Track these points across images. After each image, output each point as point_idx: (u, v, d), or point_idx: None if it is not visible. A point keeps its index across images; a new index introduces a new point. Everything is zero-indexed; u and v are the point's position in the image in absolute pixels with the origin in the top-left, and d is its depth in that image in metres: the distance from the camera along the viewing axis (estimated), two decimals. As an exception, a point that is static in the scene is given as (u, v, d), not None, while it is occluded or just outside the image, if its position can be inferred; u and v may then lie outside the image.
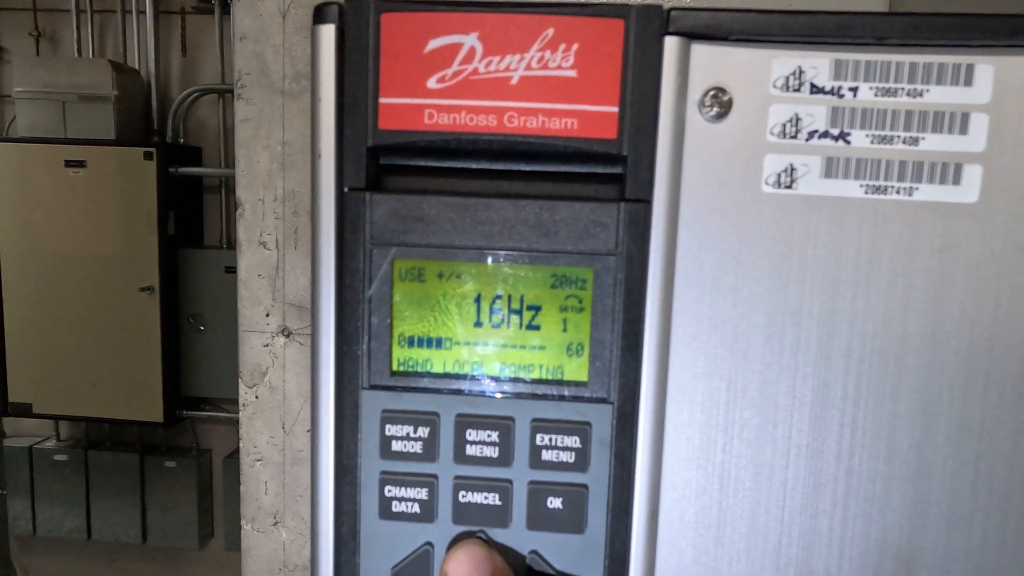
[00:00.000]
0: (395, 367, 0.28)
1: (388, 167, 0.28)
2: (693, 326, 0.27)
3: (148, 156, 2.62)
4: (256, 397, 0.74)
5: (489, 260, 0.27)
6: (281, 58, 0.69)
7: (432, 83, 0.26)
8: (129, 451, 2.93)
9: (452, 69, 0.26)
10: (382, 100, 0.26)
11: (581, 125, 0.26)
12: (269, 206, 0.71)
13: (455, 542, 0.28)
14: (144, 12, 2.78)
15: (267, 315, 0.73)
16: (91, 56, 2.88)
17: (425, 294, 0.28)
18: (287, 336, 0.73)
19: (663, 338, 0.27)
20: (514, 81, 0.26)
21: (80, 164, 2.62)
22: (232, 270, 2.74)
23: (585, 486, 0.28)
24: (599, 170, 0.27)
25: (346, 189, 0.27)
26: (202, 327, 2.78)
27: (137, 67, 2.83)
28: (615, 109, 0.26)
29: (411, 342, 0.28)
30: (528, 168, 0.28)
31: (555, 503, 0.28)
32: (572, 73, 0.26)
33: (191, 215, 2.85)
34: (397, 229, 0.27)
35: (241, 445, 0.75)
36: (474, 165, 0.28)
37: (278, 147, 0.70)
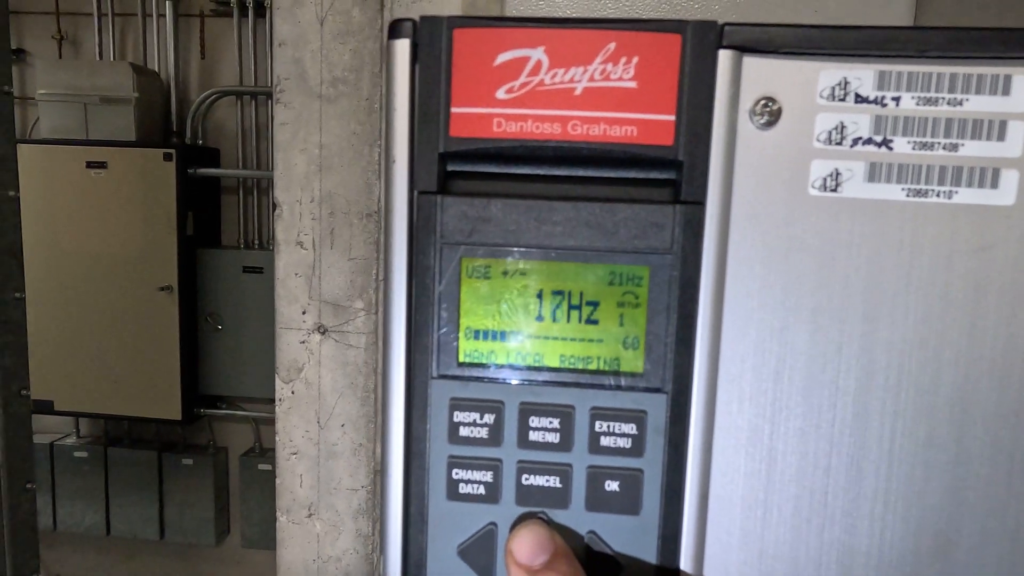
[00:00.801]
0: (462, 358, 0.30)
1: (454, 173, 0.30)
2: (743, 321, 0.29)
3: (167, 157, 2.65)
4: (292, 392, 0.76)
5: (551, 258, 0.29)
6: (319, 64, 0.71)
7: (501, 93, 0.28)
8: (147, 448, 2.96)
9: (520, 80, 0.28)
10: (454, 109, 0.28)
11: (640, 132, 0.28)
12: (306, 207, 0.73)
13: (518, 522, 0.30)
14: (164, 15, 2.82)
15: (303, 313, 0.75)
16: (112, 59, 2.92)
17: (490, 290, 0.30)
18: (323, 333, 0.75)
19: (714, 332, 0.29)
20: (578, 92, 0.28)
21: (101, 165, 2.65)
22: (249, 270, 2.78)
23: (640, 470, 0.29)
24: (654, 175, 0.29)
25: (418, 192, 0.29)
26: (219, 326, 2.80)
27: (157, 70, 2.87)
28: (672, 117, 0.28)
29: (477, 335, 0.30)
30: (586, 173, 0.30)
31: (612, 486, 0.29)
32: (632, 84, 0.28)
33: (209, 215, 2.88)
34: (465, 229, 0.29)
35: (277, 439, 0.77)
36: (536, 171, 0.30)
37: (315, 150, 0.72)
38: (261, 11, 2.75)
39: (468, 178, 0.30)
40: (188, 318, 2.74)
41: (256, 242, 2.89)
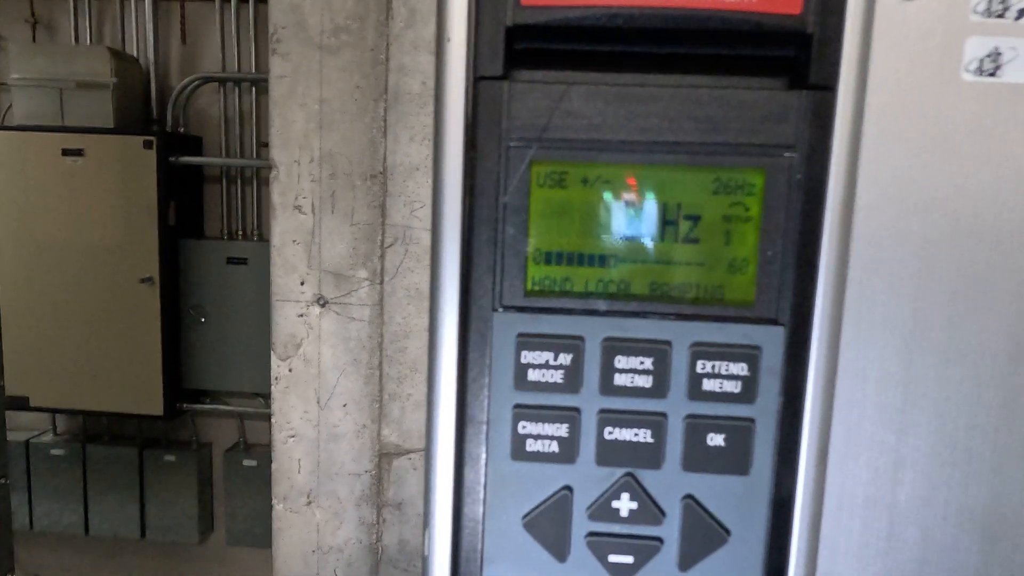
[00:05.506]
0: (531, 286, 0.24)
1: (524, 53, 0.24)
2: (877, 236, 0.24)
3: (148, 145, 2.59)
4: (289, 370, 0.70)
5: (642, 161, 0.24)
6: (319, 11, 0.66)
7: (586, -51, 0.23)
8: (128, 445, 2.91)
9: (610, -68, 0.22)
10: None
11: (760, -2, 0.23)
12: (305, 168, 0.67)
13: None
14: (143, -1, 2.74)
15: (302, 283, 0.69)
16: (89, 43, 2.83)
17: (567, 202, 0.24)
18: (323, 305, 0.69)
19: (842, 251, 0.24)
20: (683, -54, 0.22)
21: (78, 153, 2.59)
22: (234, 261, 2.72)
23: (752, 420, 0.24)
24: (773, 53, 0.24)
25: (479, 78, 0.24)
26: (203, 318, 2.74)
27: (136, 54, 2.79)
28: None
29: (549, 258, 0.24)
30: (685, 51, 0.24)
31: (716, 440, 0.24)
32: (751, -64, 0.22)
33: (191, 205, 2.82)
34: (539, 124, 0.24)
35: (273, 421, 0.71)
36: (626, 49, 0.24)
37: (315, 106, 0.66)
38: (245, -6, 2.67)
39: (540, 60, 0.24)
40: (170, 310, 2.69)
41: (240, 232, 2.83)
